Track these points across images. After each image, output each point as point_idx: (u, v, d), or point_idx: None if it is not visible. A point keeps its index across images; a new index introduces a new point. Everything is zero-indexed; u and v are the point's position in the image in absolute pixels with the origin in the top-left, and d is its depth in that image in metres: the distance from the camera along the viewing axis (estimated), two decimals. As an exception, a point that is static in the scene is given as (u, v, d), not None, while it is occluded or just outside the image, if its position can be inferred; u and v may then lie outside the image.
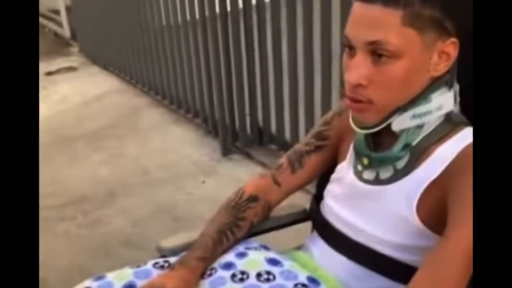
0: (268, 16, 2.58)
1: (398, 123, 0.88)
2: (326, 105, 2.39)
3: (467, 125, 0.91)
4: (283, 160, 1.10)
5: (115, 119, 3.62)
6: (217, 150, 2.99)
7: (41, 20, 6.11)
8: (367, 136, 0.94)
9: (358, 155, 0.96)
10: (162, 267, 0.98)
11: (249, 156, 2.89)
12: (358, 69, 0.84)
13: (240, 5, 2.64)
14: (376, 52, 0.82)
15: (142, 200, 2.59)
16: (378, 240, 0.94)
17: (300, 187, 1.11)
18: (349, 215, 0.99)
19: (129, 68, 4.11)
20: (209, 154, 2.99)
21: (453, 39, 0.85)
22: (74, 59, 5.03)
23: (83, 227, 2.42)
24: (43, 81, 4.47)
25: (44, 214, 2.51)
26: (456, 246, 0.78)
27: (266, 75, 2.72)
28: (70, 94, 4.15)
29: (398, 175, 0.90)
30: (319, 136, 1.08)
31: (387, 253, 0.93)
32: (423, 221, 0.88)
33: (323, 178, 1.11)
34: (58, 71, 4.77)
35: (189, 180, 2.75)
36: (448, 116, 0.89)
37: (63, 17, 5.43)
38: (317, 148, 1.07)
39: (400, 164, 0.90)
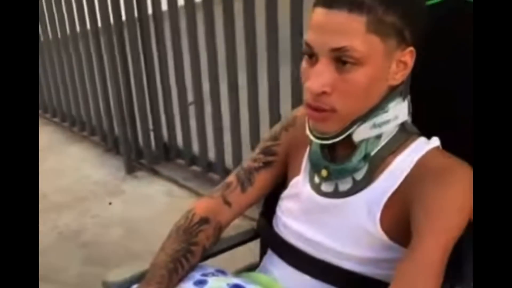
0: (166, 24, 2.52)
1: (359, 133, 0.87)
2: (234, 113, 2.38)
3: (419, 135, 0.92)
4: (231, 178, 1.07)
5: None
6: (120, 168, 2.85)
7: None
8: (322, 147, 0.93)
9: (316, 167, 0.94)
10: None
11: (155, 173, 2.80)
12: (321, 76, 0.82)
13: (136, 14, 2.54)
14: (341, 59, 0.81)
15: (43, 227, 2.39)
16: (342, 255, 0.92)
17: (251, 205, 1.07)
18: (308, 231, 0.96)
19: (11, 85, 3.79)
20: (113, 173, 2.84)
21: (411, 48, 0.85)
22: None
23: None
24: None
25: None
26: (424, 258, 0.78)
27: (168, 86, 2.65)
28: None
29: (357, 187, 0.90)
30: (267, 151, 1.05)
31: (352, 268, 0.91)
32: (386, 233, 0.88)
33: (270, 194, 1.09)
34: None
35: (94, 202, 2.59)
36: (403, 126, 0.90)
37: None
38: (266, 164, 1.05)
39: (359, 175, 0.89)
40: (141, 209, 2.51)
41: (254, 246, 1.21)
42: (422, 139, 0.91)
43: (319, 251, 0.95)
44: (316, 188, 0.95)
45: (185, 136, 2.67)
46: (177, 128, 2.71)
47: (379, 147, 0.88)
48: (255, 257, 1.24)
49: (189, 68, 2.47)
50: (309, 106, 0.86)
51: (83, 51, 2.94)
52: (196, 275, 0.96)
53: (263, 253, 1.15)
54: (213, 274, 0.97)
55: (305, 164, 0.99)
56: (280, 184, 1.07)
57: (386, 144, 0.89)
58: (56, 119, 3.44)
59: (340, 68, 0.82)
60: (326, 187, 0.93)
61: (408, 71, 0.87)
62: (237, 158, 2.43)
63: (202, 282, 0.93)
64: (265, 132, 2.15)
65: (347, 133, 0.87)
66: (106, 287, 1.01)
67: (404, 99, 0.89)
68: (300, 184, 0.99)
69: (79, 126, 3.23)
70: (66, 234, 2.35)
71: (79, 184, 2.76)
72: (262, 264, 1.10)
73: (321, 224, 0.95)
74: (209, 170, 2.64)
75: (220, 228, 1.04)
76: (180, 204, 2.51)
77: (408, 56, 0.85)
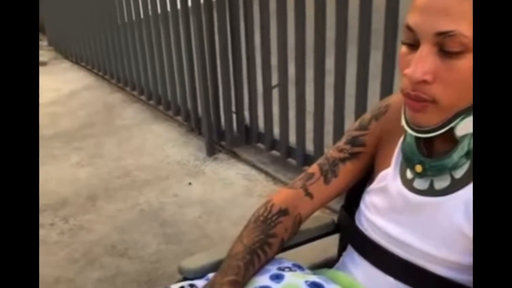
0: (256, 6, 2.46)
1: (462, 127, 0.79)
2: (319, 98, 2.30)
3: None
4: (314, 169, 1.01)
5: (91, 117, 3.45)
6: (202, 149, 2.87)
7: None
8: (418, 140, 0.85)
9: (409, 162, 0.86)
10: None
11: (235, 155, 2.78)
12: (423, 63, 0.74)
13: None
14: (444, 44, 0.73)
15: (125, 204, 2.45)
16: (432, 259, 0.84)
17: (333, 198, 1.01)
18: (395, 230, 0.89)
19: (103, 63, 3.93)
20: (194, 154, 2.86)
21: None
22: (42, 53, 4.81)
23: (63, 234, 2.27)
24: (10, 77, 4.25)
25: (19, 221, 2.36)
26: None
27: (253, 68, 2.61)
28: (42, 90, 3.94)
29: (456, 185, 0.81)
30: (355, 142, 0.99)
31: (441, 273, 0.84)
32: None
33: (353, 187, 1.03)
34: (26, 66, 4.55)
35: (174, 181, 2.62)
36: None
37: (30, 9, 5.18)
38: (353, 156, 0.99)
39: (459, 173, 0.81)
40: (219, 191, 2.50)
41: (333, 240, 1.15)
42: None
43: (406, 252, 0.88)
44: (408, 184, 0.87)
45: (267, 120, 2.63)
46: (259, 112, 2.67)
47: None
48: (332, 253, 1.18)
49: (276, 50, 2.41)
50: (408, 95, 0.78)
51: (172, 30, 2.97)
52: (273, 269, 0.91)
53: (342, 249, 1.09)
54: (290, 269, 0.92)
55: (396, 156, 0.92)
56: (365, 177, 1.01)
57: None
58: (143, 97, 3.52)
59: (443, 54, 0.74)
60: (419, 184, 0.85)
61: None
62: (319, 145, 2.35)
63: (278, 277, 0.89)
64: (350, 120, 2.10)
65: (448, 127, 0.79)
66: (182, 273, 1.00)
67: None
68: (389, 178, 0.92)
69: (165, 105, 3.29)
70: (147, 211, 2.39)
71: (161, 163, 2.80)
72: (340, 261, 1.04)
73: (411, 223, 0.87)
74: (288, 155, 2.58)
75: (299, 221, 0.99)
76: (257, 188, 2.49)
77: None
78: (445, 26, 0.72)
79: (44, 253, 2.15)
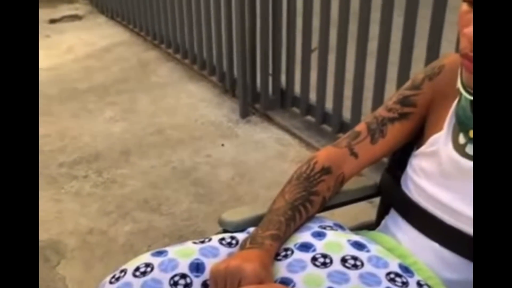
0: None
1: None
2: (360, 67, 2.24)
3: None
4: (361, 127, 0.98)
5: (126, 72, 3.44)
6: (235, 111, 2.85)
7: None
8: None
9: (463, 126, 0.83)
10: (229, 244, 0.88)
11: (269, 119, 2.76)
12: None
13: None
14: None
15: (158, 160, 2.46)
16: None
17: (379, 159, 0.98)
18: (445, 196, 0.86)
19: (139, 18, 3.90)
20: (227, 115, 2.84)
21: None
22: (78, 7, 4.80)
23: (96, 187, 2.30)
24: (46, 29, 4.26)
25: (53, 171, 2.40)
26: None
27: (293, 32, 2.55)
28: (76, 44, 3.95)
29: None
30: (405, 101, 0.95)
31: None
32: None
33: (399, 149, 0.99)
34: (62, 19, 4.55)
35: (207, 142, 2.62)
36: None
37: (67, -38, 5.15)
38: (402, 116, 0.95)
39: None
40: (251, 154, 2.49)
41: (365, 206, 1.13)
42: None
43: (455, 219, 0.85)
44: (460, 149, 0.84)
45: (304, 84, 2.58)
46: (297, 76, 2.62)
47: None
48: (370, 216, 1.16)
49: (318, 13, 2.34)
50: (466, 56, 0.74)
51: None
52: (314, 226, 0.90)
53: (383, 212, 1.06)
54: (331, 228, 0.91)
55: (449, 120, 0.88)
56: (413, 139, 0.97)
57: None
58: (177, 56, 3.49)
59: None
60: (471, 149, 0.82)
61: None
62: (356, 112, 2.31)
63: (320, 234, 0.88)
64: (391, 88, 2.04)
65: None
66: (223, 226, 0.99)
67: None
68: (441, 142, 0.88)
69: (200, 65, 3.26)
70: (179, 169, 2.39)
71: (195, 123, 2.80)
72: (383, 224, 1.02)
73: (462, 189, 0.83)
74: (323, 121, 2.54)
75: (342, 180, 0.97)
76: (290, 153, 2.47)
77: None
78: None
79: (78, 204, 2.18)
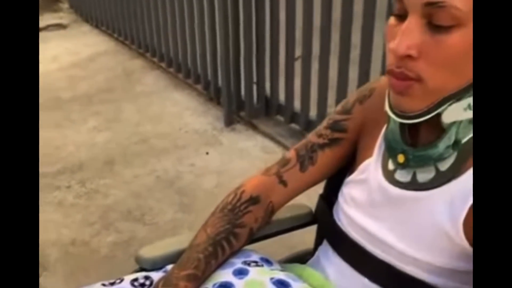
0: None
1: (450, 113, 0.70)
2: (343, 74, 2.25)
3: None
4: (290, 154, 0.92)
5: (110, 81, 3.43)
6: (220, 119, 2.84)
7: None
8: (403, 127, 0.76)
9: (392, 151, 0.77)
10: (142, 285, 0.81)
11: (254, 127, 2.75)
12: (408, 36, 0.66)
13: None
14: (434, 16, 0.65)
15: (142, 170, 2.45)
16: (411, 260, 0.76)
17: (309, 186, 0.93)
18: (373, 226, 0.81)
19: (123, 27, 3.90)
20: (212, 123, 2.84)
21: None
22: (63, 16, 4.79)
23: (79, 197, 2.28)
24: (30, 38, 4.24)
25: (37, 181, 2.37)
26: None
27: (277, 40, 2.56)
28: (60, 53, 3.94)
29: (441, 179, 0.73)
30: (336, 127, 0.90)
31: (421, 276, 0.76)
32: (469, 239, 0.71)
33: (335, 175, 0.94)
34: (46, 28, 4.53)
35: (192, 150, 2.61)
36: None
37: (52, -30, 5.15)
38: (333, 142, 0.89)
39: (445, 165, 0.72)
40: (236, 162, 2.49)
41: (314, 231, 1.06)
42: None
43: (383, 252, 0.80)
44: (389, 176, 0.79)
45: (288, 92, 2.59)
46: (281, 84, 2.63)
47: (471, 135, 0.70)
48: (310, 245, 1.08)
49: (301, 22, 2.35)
50: (391, 73, 0.70)
51: (195, -2, 2.92)
52: (238, 262, 0.84)
53: (318, 242, 0.99)
54: (256, 264, 0.84)
55: (379, 145, 0.83)
56: (346, 165, 0.92)
57: None
58: (162, 64, 3.49)
59: (432, 28, 0.66)
60: (401, 176, 0.77)
61: None
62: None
63: (242, 272, 0.81)
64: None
65: (435, 112, 0.70)
66: (139, 263, 0.90)
67: None
68: (371, 169, 0.83)
69: (184, 73, 3.26)
70: (164, 178, 2.38)
71: (179, 131, 2.79)
72: (315, 256, 0.96)
73: (390, 219, 0.79)
74: (308, 129, 2.54)
75: (272, 210, 0.91)
76: (274, 160, 2.46)
77: None
78: None
79: (61, 215, 2.16)
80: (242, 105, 2.81)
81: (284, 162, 0.92)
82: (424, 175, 0.74)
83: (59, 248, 1.97)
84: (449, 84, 0.68)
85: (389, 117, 0.77)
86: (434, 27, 0.66)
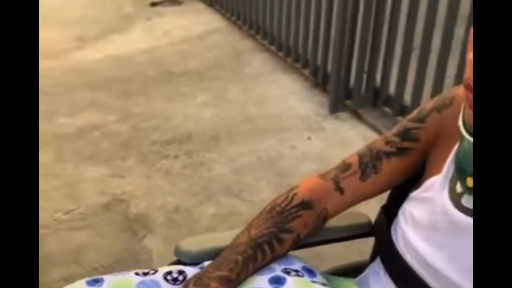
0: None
1: None
2: (461, 72, 2.15)
3: None
4: (352, 159, 0.86)
5: (220, 60, 3.52)
6: (324, 105, 2.83)
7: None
8: None
9: (461, 172, 0.70)
10: (174, 280, 0.78)
11: (358, 117, 2.71)
12: None
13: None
14: None
15: (245, 147, 2.50)
16: None
17: (369, 197, 0.86)
18: (431, 253, 0.74)
19: (237, 7, 3.97)
20: (316, 109, 2.83)
21: None
22: (179, -7, 4.96)
23: (185, 167, 2.38)
24: (147, 12, 4.45)
25: (146, 148, 2.50)
26: None
27: (394, 31, 2.49)
28: (174, 28, 4.09)
29: None
30: (406, 135, 0.82)
31: None
32: None
33: (400, 187, 0.86)
34: (162, 3, 4.71)
35: (294, 134, 2.62)
36: None
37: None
38: (401, 151, 0.82)
39: None
40: (337, 150, 2.47)
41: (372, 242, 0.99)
42: None
43: (437, 282, 0.73)
44: (456, 200, 0.72)
45: (400, 84, 2.51)
46: (393, 74, 2.56)
47: None
48: (367, 255, 1.01)
49: (424, 14, 2.27)
50: (468, 87, 0.63)
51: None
52: (277, 269, 0.79)
53: (373, 257, 0.93)
54: (297, 273, 0.79)
55: (450, 162, 0.75)
56: (413, 178, 0.84)
57: None
58: (272, 47, 3.52)
59: None
60: (469, 202, 0.70)
61: None
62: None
63: (278, 281, 0.76)
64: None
65: None
66: (178, 256, 0.88)
67: None
68: (436, 188, 0.75)
69: (293, 57, 3.26)
70: (264, 158, 2.42)
71: (283, 114, 2.81)
72: (365, 272, 0.90)
73: (451, 248, 0.72)
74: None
75: (324, 217, 0.85)
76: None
77: None
78: None
79: (167, 183, 2.27)
80: (349, 94, 2.77)
81: (344, 167, 0.86)
82: None
83: (164, 214, 2.07)
84: None
85: (462, 134, 0.70)
86: None
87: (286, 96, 3.01)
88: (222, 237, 0.84)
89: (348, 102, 2.79)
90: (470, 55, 0.61)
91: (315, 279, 0.80)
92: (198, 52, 3.66)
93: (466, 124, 0.67)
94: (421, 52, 2.34)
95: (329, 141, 2.56)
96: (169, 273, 0.78)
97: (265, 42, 3.59)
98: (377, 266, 0.86)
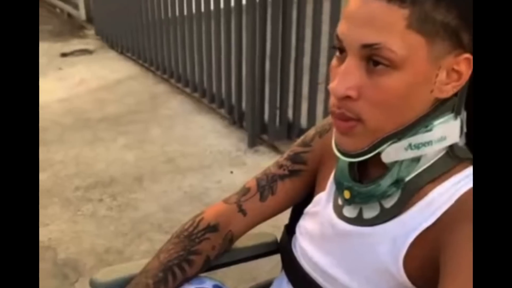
0: (309, 7, 2.57)
1: (389, 153, 0.71)
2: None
3: (472, 163, 0.74)
4: (250, 184, 0.94)
5: (136, 105, 3.59)
6: (243, 141, 2.98)
7: (54, 0, 6.04)
8: (352, 164, 0.78)
9: (339, 187, 0.78)
10: None
11: (275, 149, 2.89)
12: (347, 77, 0.67)
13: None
14: (372, 58, 0.66)
15: (171, 186, 2.58)
16: None
17: (269, 217, 0.94)
18: (323, 261, 0.82)
19: (149, 54, 4.08)
20: (235, 145, 2.98)
21: (468, 55, 0.67)
22: (89, 42, 4.98)
23: (111, 210, 2.40)
24: (58, 62, 4.43)
25: (68, 194, 2.50)
26: None
27: (301, 68, 2.71)
28: (87, 77, 4.11)
29: (385, 216, 0.74)
30: (295, 158, 0.91)
31: None
32: (409, 276, 0.72)
33: (298, 207, 0.95)
34: (73, 53, 4.72)
35: (217, 169, 2.74)
36: (451, 150, 0.72)
37: (79, -1, 5.39)
38: (292, 173, 0.91)
39: (389, 202, 0.73)
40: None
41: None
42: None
43: (331, 285, 0.81)
44: (338, 211, 0.80)
45: (310, 117, 2.73)
46: (303, 109, 2.77)
47: (416, 172, 0.72)
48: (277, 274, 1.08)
49: (327, 50, 2.51)
50: (333, 113, 0.71)
51: (223, 27, 3.10)
52: None
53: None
54: None
55: (332, 179, 0.84)
56: (308, 197, 0.92)
57: (426, 169, 0.72)
58: (187, 89, 3.65)
59: (371, 69, 0.66)
60: (348, 211, 0.78)
61: (462, 82, 0.69)
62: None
63: None
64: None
65: (374, 152, 0.71)
66: (92, 286, 0.92)
67: (456, 117, 0.71)
68: (322, 202, 0.85)
69: (209, 98, 3.41)
70: (191, 194, 2.50)
71: (204, 152, 2.92)
72: (272, 285, 0.97)
73: (338, 254, 0.80)
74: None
75: (231, 238, 0.92)
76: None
77: (464, 65, 0.68)
78: (370, 38, 0.65)
79: (94, 226, 2.28)
80: (265, 128, 2.95)
81: (244, 191, 0.93)
82: (370, 212, 0.75)
83: (94, 257, 2.08)
84: (387, 125, 0.69)
85: None
86: (372, 69, 0.66)
87: (206, 134, 3.13)
88: (136, 266, 0.88)
89: (264, 136, 2.97)
90: (330, 86, 0.69)
91: None
92: (115, 98, 3.70)
93: (337, 145, 0.74)
94: (326, 85, 2.57)
95: (250, 173, 2.61)
96: None
97: (180, 85, 3.72)
98: (282, 278, 0.93)
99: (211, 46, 3.27)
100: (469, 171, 0.72)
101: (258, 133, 2.96)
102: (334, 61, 0.71)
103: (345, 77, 0.67)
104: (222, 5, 3.05)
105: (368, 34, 0.65)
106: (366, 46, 0.65)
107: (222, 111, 3.30)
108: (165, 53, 3.82)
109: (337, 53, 0.71)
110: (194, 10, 3.36)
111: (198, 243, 0.87)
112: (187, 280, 0.86)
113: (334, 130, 0.74)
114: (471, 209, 0.64)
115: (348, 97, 0.68)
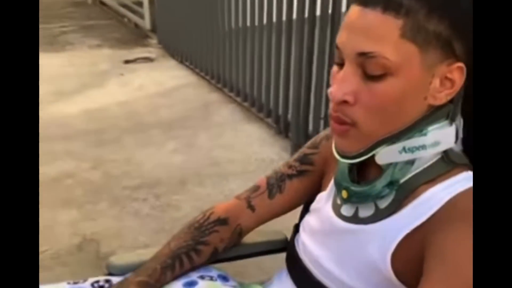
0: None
1: (383, 156, 0.75)
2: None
3: (467, 168, 0.77)
4: (260, 182, 0.99)
5: (189, 111, 3.73)
6: (287, 150, 3.04)
7: (123, 10, 6.37)
8: (351, 165, 0.82)
9: (337, 187, 0.83)
10: (101, 287, 0.90)
11: (318, 160, 2.92)
12: (344, 83, 0.72)
13: (330, 10, 2.67)
14: (366, 65, 0.70)
15: (213, 189, 2.67)
16: (345, 287, 0.82)
17: (278, 214, 0.98)
18: (319, 253, 0.86)
19: (205, 63, 4.23)
20: (279, 153, 3.04)
21: (460, 64, 0.71)
22: (151, 51, 5.21)
23: (154, 209, 2.52)
24: (121, 68, 4.67)
25: (117, 192, 2.64)
26: None
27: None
28: (146, 83, 4.31)
29: (379, 215, 0.77)
30: (304, 159, 0.96)
31: None
32: (396, 273, 0.75)
33: (307, 206, 0.98)
34: (135, 60, 4.95)
35: (259, 175, 2.78)
36: (446, 155, 0.75)
37: (146, 9, 5.64)
38: (300, 173, 0.95)
39: (383, 203, 0.77)
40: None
41: None
42: (467, 174, 0.76)
43: (325, 277, 0.85)
44: (336, 209, 0.85)
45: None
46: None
47: (410, 175, 0.75)
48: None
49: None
50: (330, 116, 0.75)
51: (275, 40, 3.19)
52: (194, 276, 0.91)
53: None
54: (210, 278, 0.91)
55: (333, 180, 0.88)
56: (313, 196, 0.96)
57: (421, 172, 0.75)
58: (238, 99, 3.76)
59: (366, 76, 0.71)
60: (346, 210, 0.82)
61: (455, 90, 0.72)
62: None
63: (191, 284, 0.89)
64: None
65: (369, 155, 0.75)
66: (108, 269, 0.98)
67: (451, 123, 0.75)
68: (323, 200, 0.90)
69: (258, 107, 3.50)
70: (231, 197, 2.55)
71: (249, 158, 3.00)
72: (273, 277, 1.01)
73: (334, 249, 0.84)
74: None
75: (239, 233, 0.97)
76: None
77: (457, 73, 0.71)
78: (366, 47, 0.69)
79: (137, 223, 2.40)
80: (308, 138, 2.97)
81: (254, 189, 0.98)
82: (365, 211, 0.79)
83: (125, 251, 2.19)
84: (381, 130, 0.73)
85: None
86: (367, 75, 0.70)
87: (252, 142, 3.21)
88: (148, 253, 0.94)
89: (308, 147, 3.01)
90: (331, 89, 0.74)
91: (227, 283, 0.91)
92: (169, 104, 3.86)
93: (336, 147, 0.79)
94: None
95: (290, 183, 2.73)
96: (97, 281, 0.90)
97: (232, 94, 3.84)
98: (282, 272, 0.97)
99: (262, 57, 3.36)
100: (462, 176, 0.75)
101: (302, 143, 2.98)
102: (334, 68, 0.76)
103: (342, 83, 0.72)
104: (274, 19, 3.14)
105: (363, 42, 0.69)
106: (361, 54, 0.70)
107: (269, 120, 3.38)
108: (221, 63, 3.95)
109: (337, 61, 0.76)
110: (248, 23, 3.48)
111: (207, 234, 0.93)
112: (194, 268, 0.92)
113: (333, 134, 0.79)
114: (459, 211, 0.69)
115: (345, 102, 0.72)
